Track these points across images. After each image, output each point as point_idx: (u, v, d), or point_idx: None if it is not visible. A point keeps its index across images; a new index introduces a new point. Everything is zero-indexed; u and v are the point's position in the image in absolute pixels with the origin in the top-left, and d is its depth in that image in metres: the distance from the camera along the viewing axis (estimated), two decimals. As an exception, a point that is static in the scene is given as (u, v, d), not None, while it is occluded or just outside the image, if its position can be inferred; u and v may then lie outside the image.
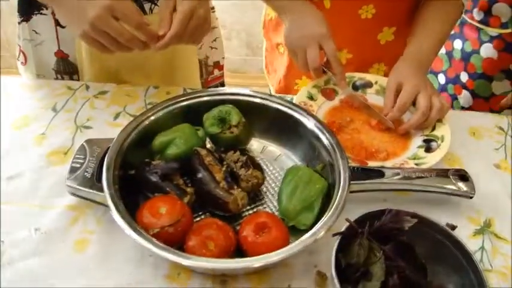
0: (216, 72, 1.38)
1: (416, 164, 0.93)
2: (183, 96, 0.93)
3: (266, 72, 1.52)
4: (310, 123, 0.90)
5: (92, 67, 1.15)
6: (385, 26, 1.22)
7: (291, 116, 0.92)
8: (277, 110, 0.93)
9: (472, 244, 0.83)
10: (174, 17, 0.93)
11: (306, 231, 0.74)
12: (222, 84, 1.43)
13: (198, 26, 0.95)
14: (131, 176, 0.84)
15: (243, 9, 2.80)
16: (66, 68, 1.18)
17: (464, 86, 1.42)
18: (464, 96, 1.42)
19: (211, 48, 1.34)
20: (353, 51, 1.21)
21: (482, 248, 0.84)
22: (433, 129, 1.02)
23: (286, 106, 0.93)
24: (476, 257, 0.81)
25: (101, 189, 0.76)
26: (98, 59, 1.14)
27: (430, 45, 1.13)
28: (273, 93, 1.46)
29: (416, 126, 1.01)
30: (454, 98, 1.45)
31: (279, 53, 1.39)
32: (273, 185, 0.90)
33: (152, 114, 0.90)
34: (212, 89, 1.21)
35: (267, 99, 0.94)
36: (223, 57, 1.40)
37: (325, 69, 1.08)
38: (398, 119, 1.03)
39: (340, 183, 0.79)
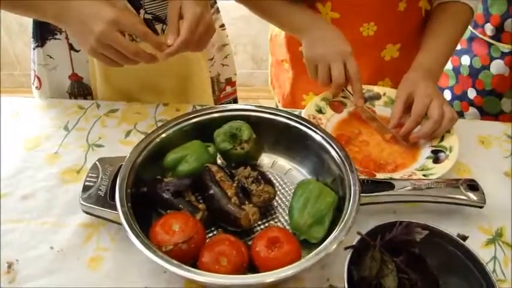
0: (228, 88, 1.40)
1: (424, 175, 0.93)
2: (193, 113, 0.94)
3: (272, 87, 1.52)
4: (319, 137, 0.91)
5: (106, 88, 1.17)
6: (388, 43, 1.22)
7: (300, 130, 0.93)
8: (286, 124, 0.94)
9: (484, 254, 0.83)
10: (181, 25, 0.94)
11: (318, 244, 0.74)
12: (235, 101, 1.45)
13: (205, 32, 0.97)
14: (144, 193, 0.85)
15: (249, 22, 2.82)
16: (81, 90, 1.20)
17: (471, 103, 1.40)
18: (472, 113, 1.41)
19: (223, 65, 1.36)
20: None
21: (494, 257, 0.84)
22: (442, 139, 1.02)
23: (294, 120, 0.94)
24: (489, 267, 0.81)
25: (114, 208, 0.77)
26: (111, 80, 1.16)
27: (439, 54, 1.13)
28: (279, 107, 1.47)
29: (429, 135, 1.01)
30: (461, 114, 1.44)
31: (284, 69, 1.40)
32: (283, 199, 0.90)
33: (163, 132, 0.91)
34: (222, 105, 1.23)
35: (276, 114, 0.95)
36: (235, 74, 1.41)
37: (344, 88, 1.10)
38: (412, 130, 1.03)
39: (350, 196, 0.79)
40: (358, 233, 0.70)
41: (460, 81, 1.43)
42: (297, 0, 1.15)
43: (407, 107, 1.05)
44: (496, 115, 1.38)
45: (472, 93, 1.40)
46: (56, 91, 1.21)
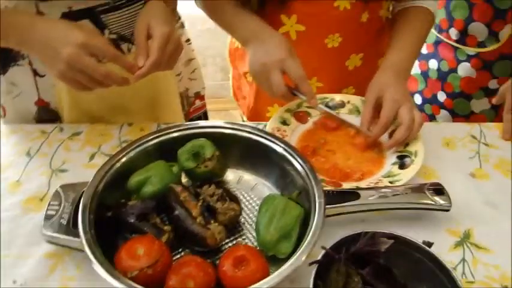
0: (198, 102, 1.39)
1: (390, 182, 0.93)
2: (155, 133, 0.93)
3: (235, 99, 1.51)
4: (281, 150, 0.90)
5: (74, 112, 1.14)
6: (352, 53, 1.23)
7: (263, 144, 0.92)
8: (250, 139, 0.94)
9: (453, 256, 0.84)
10: (151, 45, 0.92)
11: (286, 259, 0.74)
12: (205, 114, 1.44)
13: (174, 50, 0.96)
14: (109, 218, 0.83)
15: (216, 33, 2.82)
16: (48, 116, 1.17)
17: (442, 106, 1.42)
18: (443, 116, 1.42)
19: (191, 79, 1.35)
20: (322, 80, 1.22)
21: (463, 259, 0.85)
22: (406, 145, 1.02)
23: (257, 135, 0.93)
24: (458, 269, 0.82)
25: (78, 235, 0.75)
26: (79, 104, 1.13)
27: (406, 55, 1.14)
28: (244, 119, 1.46)
29: (402, 141, 1.00)
30: (432, 117, 1.45)
31: (246, 82, 1.39)
32: (250, 215, 0.90)
33: (125, 155, 0.89)
34: (184, 123, 1.21)
35: (238, 129, 0.94)
36: (204, 87, 1.40)
37: (295, 92, 1.05)
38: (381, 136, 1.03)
39: (315, 209, 0.79)
40: (322, 248, 0.70)
41: (429, 84, 1.45)
42: (255, 9, 1.15)
43: (377, 111, 1.05)
44: (467, 116, 1.40)
45: (442, 96, 1.42)
46: (22, 118, 1.18)
